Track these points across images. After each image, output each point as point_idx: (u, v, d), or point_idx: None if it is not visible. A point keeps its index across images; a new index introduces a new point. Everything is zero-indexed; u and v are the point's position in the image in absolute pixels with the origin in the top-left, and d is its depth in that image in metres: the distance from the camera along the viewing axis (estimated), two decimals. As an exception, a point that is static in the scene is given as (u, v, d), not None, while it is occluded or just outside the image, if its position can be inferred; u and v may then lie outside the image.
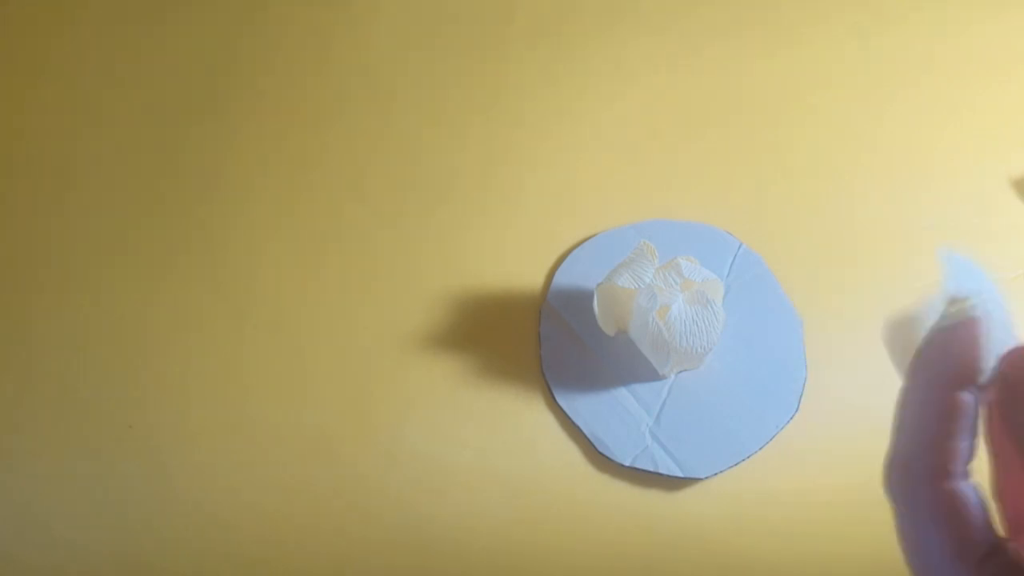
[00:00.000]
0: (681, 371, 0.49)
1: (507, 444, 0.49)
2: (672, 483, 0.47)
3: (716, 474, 0.47)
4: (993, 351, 0.29)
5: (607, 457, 0.48)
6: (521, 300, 0.53)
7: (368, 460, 0.49)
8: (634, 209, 0.55)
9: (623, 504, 0.47)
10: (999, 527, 0.29)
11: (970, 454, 0.31)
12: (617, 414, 0.49)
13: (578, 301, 0.51)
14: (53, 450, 0.50)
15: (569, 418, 0.49)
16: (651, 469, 0.47)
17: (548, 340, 0.51)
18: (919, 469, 0.31)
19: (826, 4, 0.62)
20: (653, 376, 0.50)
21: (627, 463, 0.47)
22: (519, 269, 0.54)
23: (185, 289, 0.54)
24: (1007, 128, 0.58)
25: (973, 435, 0.29)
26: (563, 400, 0.49)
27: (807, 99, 0.59)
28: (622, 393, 0.49)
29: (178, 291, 0.54)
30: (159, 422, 0.50)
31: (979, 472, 0.27)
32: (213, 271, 0.55)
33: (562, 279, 0.52)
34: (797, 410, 0.49)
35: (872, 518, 0.46)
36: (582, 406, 0.49)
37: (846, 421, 0.49)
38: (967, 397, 0.29)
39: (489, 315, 0.53)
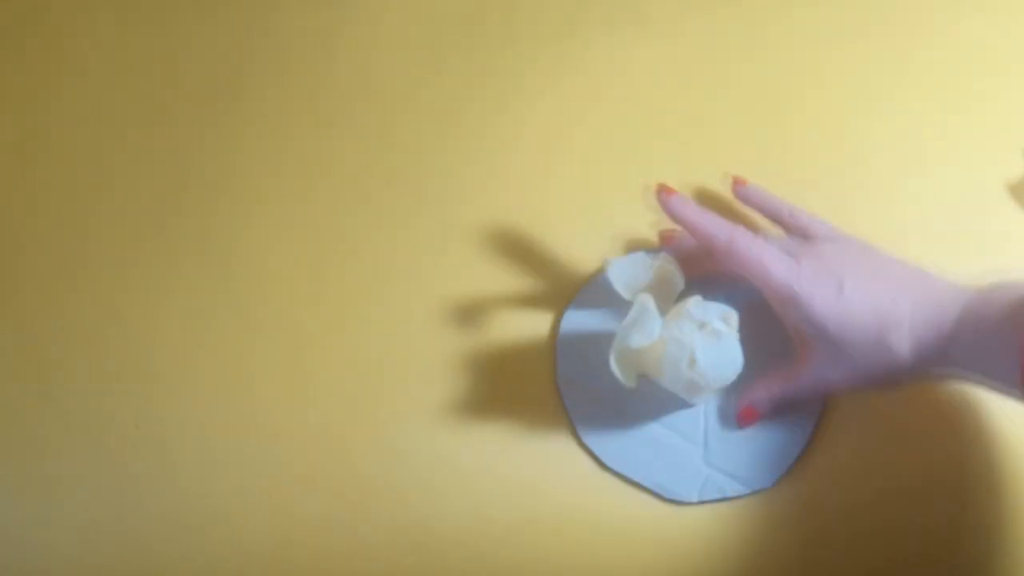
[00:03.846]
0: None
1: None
2: (741, 503, 0.50)
3: (777, 481, 0.50)
4: None
5: (674, 501, 0.49)
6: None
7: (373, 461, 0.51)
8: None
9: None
10: None
11: None
12: (668, 457, 0.50)
13: (590, 359, 0.51)
14: (59, 450, 0.52)
15: (627, 478, 0.50)
16: (718, 496, 0.49)
17: (577, 412, 0.51)
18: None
19: (809, 7, 0.62)
20: (684, 405, 0.51)
21: (695, 500, 0.49)
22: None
23: (193, 290, 0.56)
24: (1003, 132, 0.58)
25: None
26: (615, 464, 0.50)
27: (798, 103, 0.59)
28: (663, 433, 0.50)
29: (186, 292, 0.56)
30: (167, 422, 0.52)
31: None
32: (221, 272, 0.56)
33: (567, 346, 0.52)
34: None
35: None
36: (634, 462, 0.50)
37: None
38: None
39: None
